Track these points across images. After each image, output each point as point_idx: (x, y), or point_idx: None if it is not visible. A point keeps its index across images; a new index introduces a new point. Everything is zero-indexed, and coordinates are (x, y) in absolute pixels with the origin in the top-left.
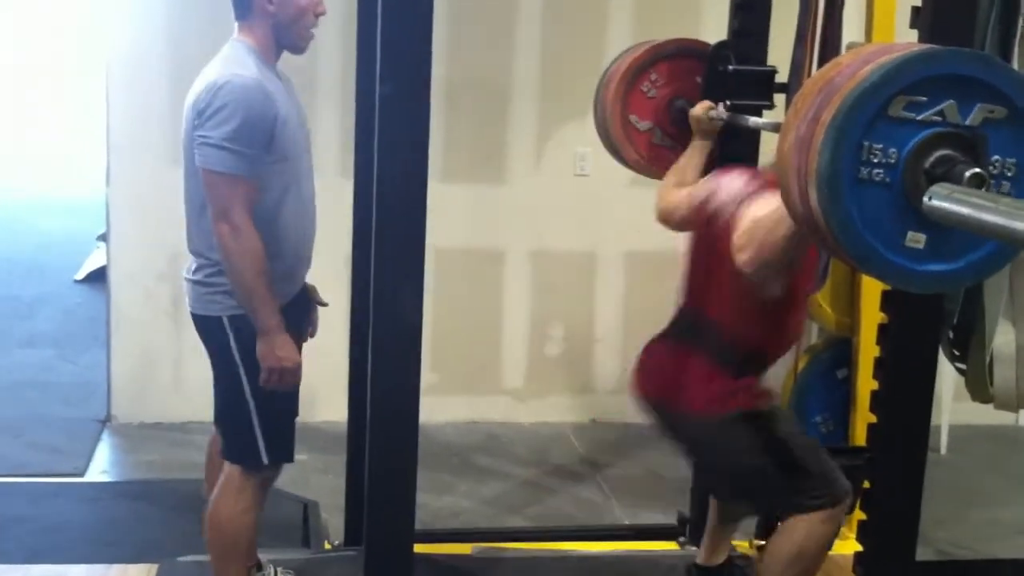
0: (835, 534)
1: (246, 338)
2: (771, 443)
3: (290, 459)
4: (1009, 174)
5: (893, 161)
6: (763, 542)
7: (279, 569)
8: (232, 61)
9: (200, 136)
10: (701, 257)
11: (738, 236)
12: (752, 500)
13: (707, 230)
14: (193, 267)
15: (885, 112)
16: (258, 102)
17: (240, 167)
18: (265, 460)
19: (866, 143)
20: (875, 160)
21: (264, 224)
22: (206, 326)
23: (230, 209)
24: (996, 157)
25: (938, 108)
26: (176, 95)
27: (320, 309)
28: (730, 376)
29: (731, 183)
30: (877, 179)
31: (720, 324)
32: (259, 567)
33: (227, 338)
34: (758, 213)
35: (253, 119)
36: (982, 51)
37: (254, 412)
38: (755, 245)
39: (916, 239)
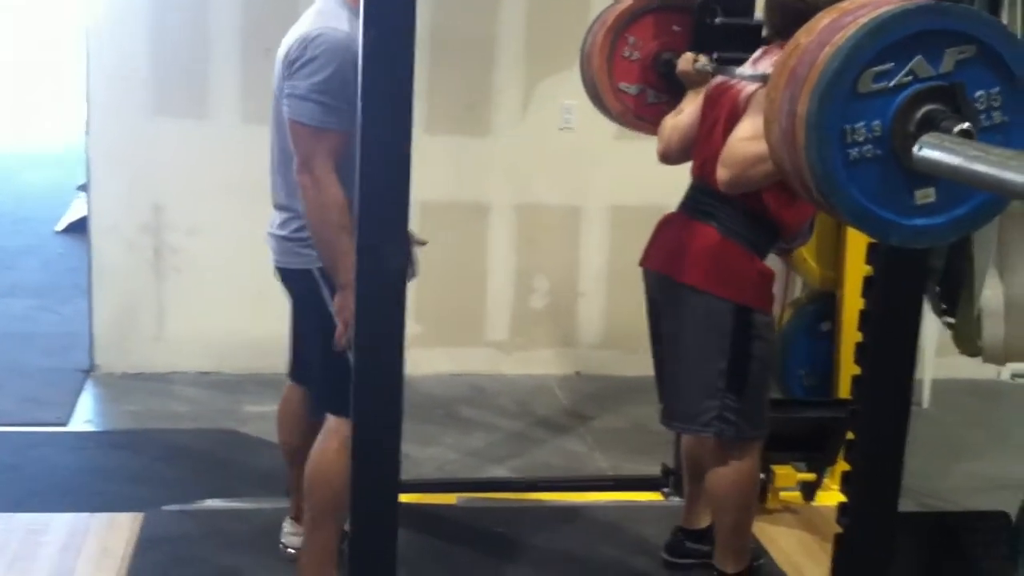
0: (757, 468)
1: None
2: (744, 356)
3: None
4: (996, 104)
5: (879, 134)
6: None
7: None
8: (326, 15)
9: (289, 87)
10: (707, 127)
11: (725, 153)
12: (685, 401)
13: (713, 104)
14: (278, 221)
15: (855, 92)
16: (350, 57)
17: (326, 119)
18: None
19: (847, 127)
20: (860, 139)
21: (350, 179)
22: (295, 279)
23: (312, 160)
24: (980, 93)
25: (907, 68)
26: (156, 45)
27: None
28: (743, 251)
29: (742, 67)
30: (869, 155)
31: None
32: None
33: (319, 288)
34: (751, 132)
35: (343, 72)
36: (930, 1)
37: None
38: (737, 170)
39: (925, 194)
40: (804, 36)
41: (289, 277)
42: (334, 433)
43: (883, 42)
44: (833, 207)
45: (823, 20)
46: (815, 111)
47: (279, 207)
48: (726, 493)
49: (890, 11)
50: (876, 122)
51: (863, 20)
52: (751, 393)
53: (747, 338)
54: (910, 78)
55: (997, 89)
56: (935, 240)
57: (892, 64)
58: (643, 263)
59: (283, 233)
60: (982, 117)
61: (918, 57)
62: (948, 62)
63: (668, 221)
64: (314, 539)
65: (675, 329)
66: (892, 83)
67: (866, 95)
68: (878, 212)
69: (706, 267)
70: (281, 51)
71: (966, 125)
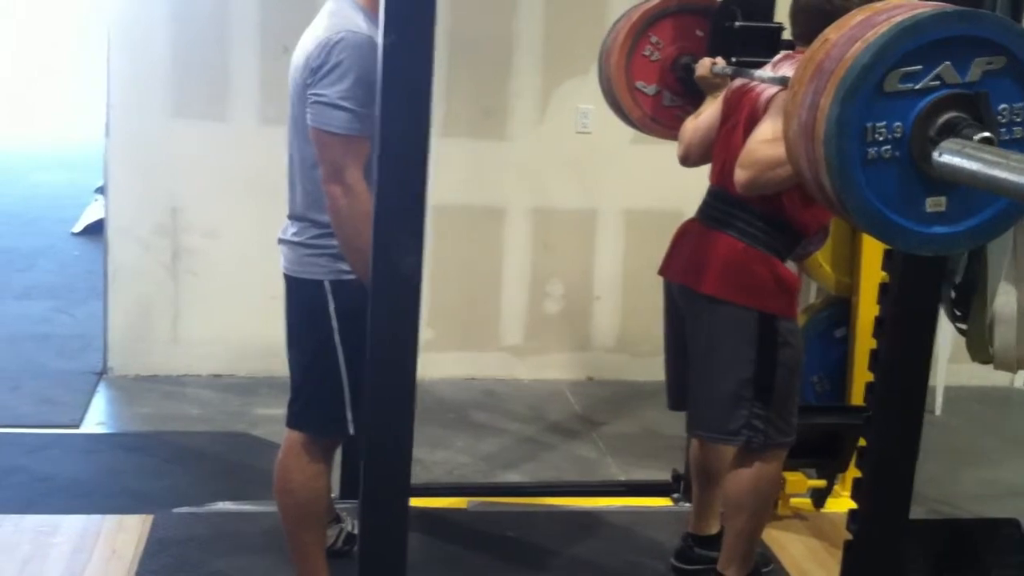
0: (780, 475)
1: (346, 304)
2: (770, 363)
3: None
4: (1019, 120)
5: (899, 135)
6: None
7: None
8: (341, 17)
9: (313, 94)
10: (726, 130)
11: (744, 154)
12: (712, 410)
13: (733, 107)
14: (294, 229)
15: (881, 90)
16: (371, 59)
17: (354, 126)
18: (351, 431)
19: (868, 125)
20: (880, 139)
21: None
22: (303, 289)
23: (343, 169)
24: (1003, 106)
25: (934, 73)
26: (175, 47)
27: None
28: (764, 258)
29: (762, 71)
30: (887, 156)
31: (746, 198)
32: (338, 519)
33: (326, 303)
34: (771, 134)
35: (367, 77)
36: (964, 7)
37: (346, 381)
38: (754, 172)
39: (937, 203)
40: (834, 32)
41: (297, 287)
42: (289, 449)
43: (915, 43)
44: (846, 207)
45: (856, 17)
46: (839, 104)
47: (297, 217)
48: (743, 496)
49: (926, 12)
50: (897, 123)
51: (898, 19)
52: (779, 400)
53: (772, 346)
54: (937, 82)
55: (1021, 104)
56: (945, 249)
57: (920, 67)
58: (663, 273)
59: (299, 240)
60: (1003, 131)
61: (946, 63)
62: (975, 71)
63: (686, 231)
64: (296, 545)
65: (699, 339)
66: (918, 86)
67: (891, 95)
68: (890, 216)
69: (727, 276)
70: (298, 57)
71: (987, 134)
